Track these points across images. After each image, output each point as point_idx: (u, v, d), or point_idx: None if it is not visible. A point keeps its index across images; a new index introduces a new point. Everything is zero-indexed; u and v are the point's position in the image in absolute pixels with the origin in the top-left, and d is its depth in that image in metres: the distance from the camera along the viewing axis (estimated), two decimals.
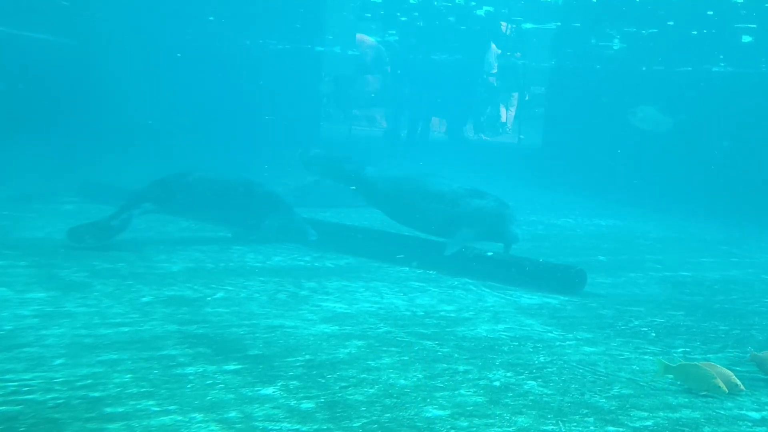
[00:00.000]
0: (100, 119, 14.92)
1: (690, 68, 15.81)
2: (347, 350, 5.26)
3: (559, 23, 18.28)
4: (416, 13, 21.75)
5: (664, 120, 13.85)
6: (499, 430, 4.01)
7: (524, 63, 20.19)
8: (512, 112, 23.08)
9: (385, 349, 5.34)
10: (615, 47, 17.30)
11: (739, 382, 4.72)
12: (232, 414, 4.04)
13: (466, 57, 19.69)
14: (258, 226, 9.38)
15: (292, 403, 4.24)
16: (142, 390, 4.31)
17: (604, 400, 4.54)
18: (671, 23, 16.58)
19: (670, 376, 4.86)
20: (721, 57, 15.78)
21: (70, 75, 15.10)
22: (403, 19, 22.29)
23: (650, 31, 16.49)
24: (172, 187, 9.34)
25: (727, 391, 4.64)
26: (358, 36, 23.88)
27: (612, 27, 17.03)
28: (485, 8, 21.83)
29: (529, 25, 19.01)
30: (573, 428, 4.08)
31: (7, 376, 4.42)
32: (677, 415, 4.38)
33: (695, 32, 15.93)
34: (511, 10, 21.43)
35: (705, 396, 4.66)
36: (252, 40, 17.55)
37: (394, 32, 22.20)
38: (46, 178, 12.92)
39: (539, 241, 10.63)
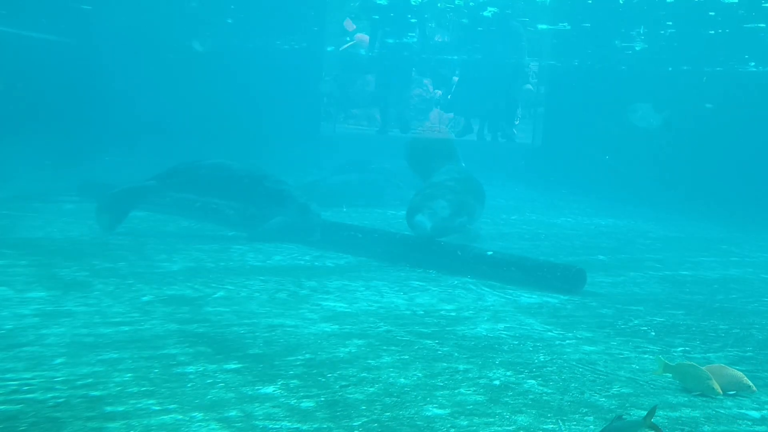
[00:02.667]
0: (101, 119, 14.94)
1: (719, 68, 15.80)
2: (347, 349, 5.26)
3: (566, 24, 18.29)
4: (426, 15, 21.81)
5: (655, 116, 13.94)
6: (499, 428, 4.02)
7: (540, 63, 20.09)
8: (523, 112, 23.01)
9: (385, 348, 5.34)
10: (637, 48, 17.29)
11: (750, 384, 4.74)
12: (233, 413, 4.05)
13: (486, 57, 19.68)
14: (264, 222, 9.44)
15: (293, 402, 4.24)
16: (143, 389, 4.32)
17: (603, 399, 4.55)
18: (670, 23, 16.59)
19: (670, 375, 4.87)
20: (747, 57, 15.78)
21: (70, 75, 15.12)
22: (413, 21, 22.32)
23: (669, 31, 16.51)
24: (179, 167, 9.61)
25: (721, 392, 4.65)
26: (358, 36, 23.87)
27: (628, 28, 17.04)
28: (489, 9, 21.85)
29: (543, 26, 19.00)
30: (573, 427, 4.09)
31: (8, 375, 4.42)
32: (677, 414, 4.38)
33: (712, 32, 15.94)
34: (514, 10, 21.43)
35: (704, 396, 4.66)
36: (266, 41, 17.69)
37: (413, 34, 22.24)
38: (46, 178, 12.92)
39: (539, 241, 10.64)
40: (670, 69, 16.33)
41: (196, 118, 15.49)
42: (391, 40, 22.89)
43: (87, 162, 13.90)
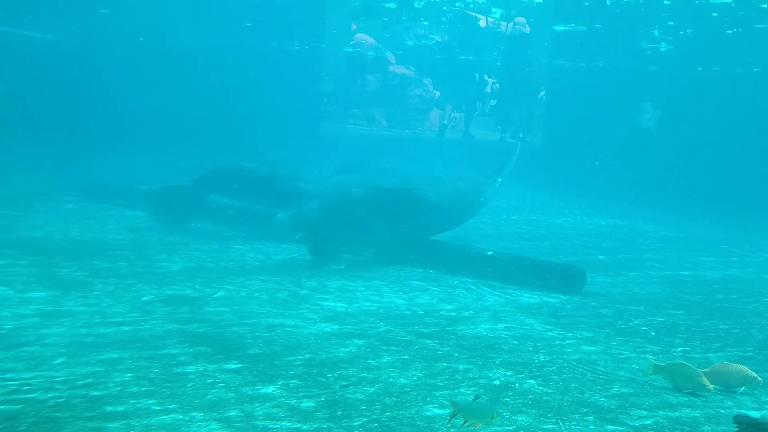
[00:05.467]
0: (102, 119, 14.93)
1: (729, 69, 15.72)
2: (347, 349, 5.26)
3: (573, 24, 18.28)
4: (444, 18, 21.93)
5: (653, 114, 13.99)
6: (499, 429, 4.02)
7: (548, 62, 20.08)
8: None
9: (385, 348, 5.34)
10: (662, 49, 17.26)
11: (755, 375, 4.74)
12: (233, 413, 4.05)
13: (505, 57, 19.76)
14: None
15: (293, 402, 4.24)
16: (143, 389, 4.32)
17: (603, 399, 4.55)
18: (671, 23, 16.57)
19: (660, 375, 4.87)
20: None
21: (70, 75, 15.11)
22: (425, 23, 22.36)
23: (687, 31, 16.45)
24: (212, 167, 10.00)
25: (712, 389, 4.65)
26: (358, 36, 23.88)
27: (629, 29, 17.01)
28: (494, 10, 21.90)
29: (560, 27, 19.06)
30: (573, 427, 4.09)
31: (8, 375, 4.42)
32: (677, 414, 4.38)
33: (730, 31, 15.89)
34: (517, 11, 21.44)
35: (696, 394, 4.67)
36: (278, 42, 17.76)
37: (434, 36, 22.32)
38: (46, 178, 12.91)
39: (539, 240, 10.63)
40: (700, 69, 16.22)
41: (197, 118, 15.48)
42: (410, 42, 22.98)
43: (87, 162, 13.88)
